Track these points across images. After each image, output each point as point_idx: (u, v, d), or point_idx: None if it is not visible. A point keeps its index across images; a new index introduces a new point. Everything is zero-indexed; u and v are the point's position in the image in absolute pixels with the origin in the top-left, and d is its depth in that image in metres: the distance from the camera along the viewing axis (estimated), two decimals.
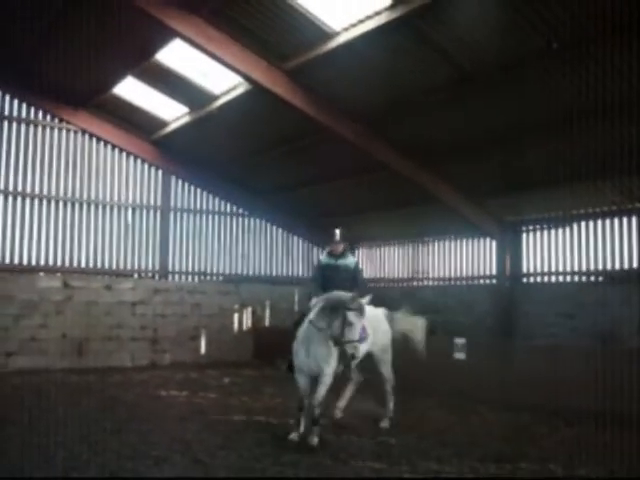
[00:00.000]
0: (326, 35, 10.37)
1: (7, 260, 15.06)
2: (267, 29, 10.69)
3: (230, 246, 18.17)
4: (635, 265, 12.55)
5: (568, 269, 13.86)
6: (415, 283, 17.64)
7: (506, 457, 7.13)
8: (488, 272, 15.59)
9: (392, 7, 9.35)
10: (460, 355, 11.49)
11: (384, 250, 18.75)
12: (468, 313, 15.16)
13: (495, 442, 7.91)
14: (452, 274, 16.61)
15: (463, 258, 16.35)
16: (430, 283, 17.21)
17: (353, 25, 9.98)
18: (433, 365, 10.38)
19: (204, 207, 17.84)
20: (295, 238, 19.23)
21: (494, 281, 15.26)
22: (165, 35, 11.40)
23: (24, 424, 8.53)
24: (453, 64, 10.28)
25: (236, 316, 17.29)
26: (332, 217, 18.25)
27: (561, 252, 14.04)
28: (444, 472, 6.59)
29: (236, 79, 12.51)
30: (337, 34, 10.27)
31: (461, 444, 7.68)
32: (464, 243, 16.32)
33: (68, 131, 16.02)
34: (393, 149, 13.23)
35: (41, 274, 15.30)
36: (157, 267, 17.00)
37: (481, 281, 15.85)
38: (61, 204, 15.82)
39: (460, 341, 11.43)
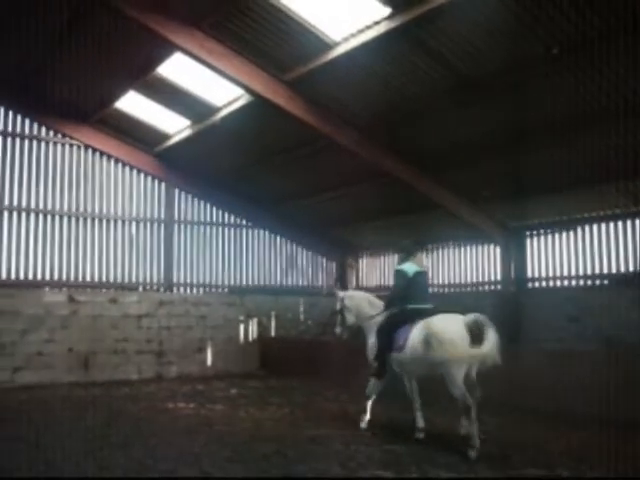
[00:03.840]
0: (326, 45, 10.41)
1: (13, 276, 15.09)
2: (267, 41, 10.73)
3: (234, 257, 18.19)
4: None
5: (573, 273, 13.87)
6: None
7: (513, 463, 7.11)
8: (493, 278, 15.59)
9: (391, 17, 9.39)
10: None
11: (387, 258, 18.75)
12: None
13: (502, 448, 7.89)
14: (456, 280, 16.61)
15: (467, 264, 16.35)
16: (435, 290, 17.19)
17: (353, 35, 10.02)
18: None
19: (207, 219, 17.86)
20: (299, 248, 19.24)
21: (499, 287, 15.26)
22: (166, 49, 11.46)
23: (31, 440, 8.53)
24: (453, 71, 10.31)
25: (242, 327, 17.28)
26: (334, 226, 18.33)
27: (566, 256, 14.05)
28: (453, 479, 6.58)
29: (237, 91, 12.55)
30: (337, 44, 10.31)
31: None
32: (468, 249, 16.32)
33: (72, 146, 16.08)
34: (395, 156, 13.25)
35: (47, 289, 15.33)
36: (162, 280, 17.02)
37: (486, 287, 15.84)
38: (65, 219, 15.87)
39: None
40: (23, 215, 15.37)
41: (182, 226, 17.47)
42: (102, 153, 16.35)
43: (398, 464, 7.14)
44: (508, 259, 14.83)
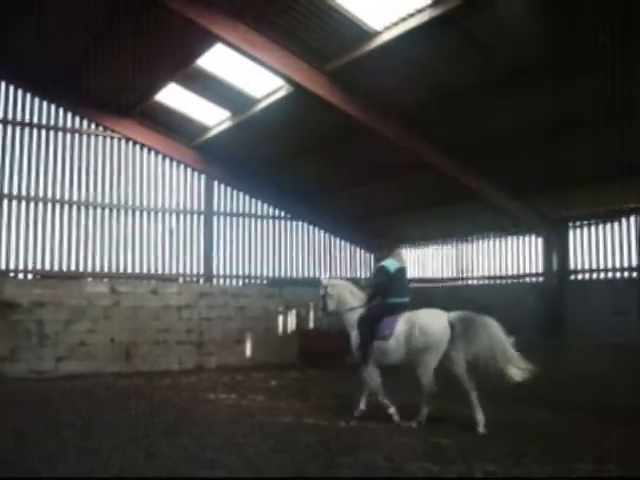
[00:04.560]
0: (367, 35, 10.33)
1: (56, 267, 15.32)
2: (309, 32, 10.68)
3: (273, 249, 18.23)
4: None
5: (617, 265, 13.60)
6: (460, 282, 17.47)
7: (562, 457, 7.00)
8: (534, 270, 15.37)
9: (434, 4, 9.27)
10: None
11: (427, 250, 18.62)
12: (515, 312, 14.86)
13: (551, 442, 7.78)
14: (497, 272, 16.42)
15: (508, 256, 16.14)
16: (475, 282, 17.04)
17: (394, 24, 9.91)
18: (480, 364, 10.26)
19: (247, 211, 17.92)
20: (337, 240, 19.20)
21: (540, 279, 15.04)
22: (207, 41, 11.47)
23: (77, 428, 8.67)
24: (496, 59, 10.14)
25: (280, 319, 17.31)
26: (374, 218, 18.22)
27: (610, 248, 13.77)
28: (500, 473, 6.49)
29: (277, 82, 12.55)
30: (378, 33, 10.22)
31: (516, 444, 7.56)
32: (509, 241, 16.11)
33: (112, 139, 16.24)
34: (436, 147, 13.11)
35: (89, 280, 15.55)
36: (202, 271, 17.13)
37: (527, 279, 15.62)
38: (107, 211, 16.06)
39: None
40: (66, 207, 15.57)
41: (221, 218, 17.54)
42: (142, 145, 16.49)
43: (444, 457, 7.08)
44: (550, 251, 14.57)
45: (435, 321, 8.78)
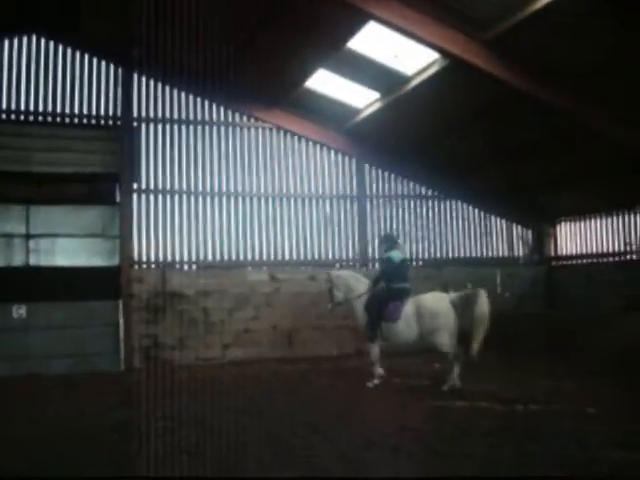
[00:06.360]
0: None
1: (218, 257, 15.82)
2: (463, 0, 10.22)
3: (427, 229, 17.84)
4: None
5: None
6: (628, 257, 16.34)
7: None
8: None
9: None
10: None
11: (589, 223, 17.57)
12: None
13: None
14: None
15: None
16: None
17: None
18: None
19: (399, 192, 17.62)
20: (492, 217, 18.51)
21: None
22: (358, 21, 11.27)
23: (254, 413, 8.83)
24: None
25: None
26: (530, 192, 17.36)
27: None
28: None
29: (429, 58, 12.15)
30: None
31: None
32: None
33: (264, 129, 16.49)
34: (605, 112, 12.20)
35: (249, 268, 15.93)
36: (357, 256, 17.08)
37: None
38: (263, 200, 16.35)
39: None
40: (224, 199, 16.00)
41: (374, 201, 17.36)
42: (294, 134, 16.62)
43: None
44: None
45: (440, 304, 10.31)
